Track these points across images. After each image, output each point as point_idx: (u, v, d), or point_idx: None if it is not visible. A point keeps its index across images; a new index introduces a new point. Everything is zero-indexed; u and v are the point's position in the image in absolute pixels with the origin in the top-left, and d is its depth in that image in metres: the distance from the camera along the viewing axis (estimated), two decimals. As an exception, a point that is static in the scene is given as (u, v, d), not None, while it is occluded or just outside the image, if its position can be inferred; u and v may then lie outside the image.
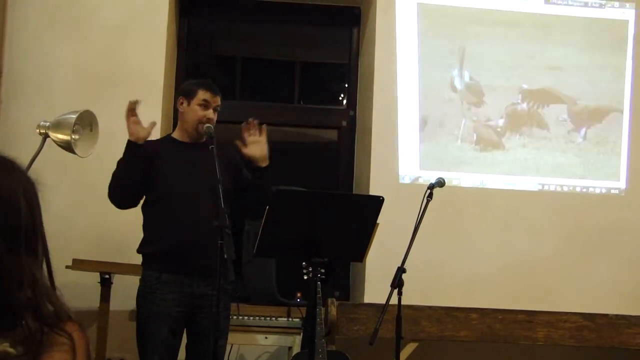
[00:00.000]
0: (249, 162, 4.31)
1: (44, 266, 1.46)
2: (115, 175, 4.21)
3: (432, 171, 5.67)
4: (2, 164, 1.44)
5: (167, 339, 4.15)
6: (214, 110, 4.30)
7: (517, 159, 5.93)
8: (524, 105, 5.96)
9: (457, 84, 5.91)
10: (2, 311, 1.36)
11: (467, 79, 5.93)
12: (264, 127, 4.32)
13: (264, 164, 4.29)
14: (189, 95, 4.33)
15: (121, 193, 4.23)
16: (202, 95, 4.29)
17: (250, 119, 4.34)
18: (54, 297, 1.42)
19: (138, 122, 4.17)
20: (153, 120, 4.30)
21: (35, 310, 1.38)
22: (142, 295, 4.22)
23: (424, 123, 5.87)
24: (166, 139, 4.54)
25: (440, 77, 5.91)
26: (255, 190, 4.30)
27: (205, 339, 4.11)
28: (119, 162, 4.22)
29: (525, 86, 5.96)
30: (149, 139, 4.33)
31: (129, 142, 4.16)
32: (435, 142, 5.87)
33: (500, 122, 5.93)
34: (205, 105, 4.29)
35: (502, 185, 5.91)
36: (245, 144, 4.28)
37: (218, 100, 4.33)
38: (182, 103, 4.36)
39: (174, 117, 4.63)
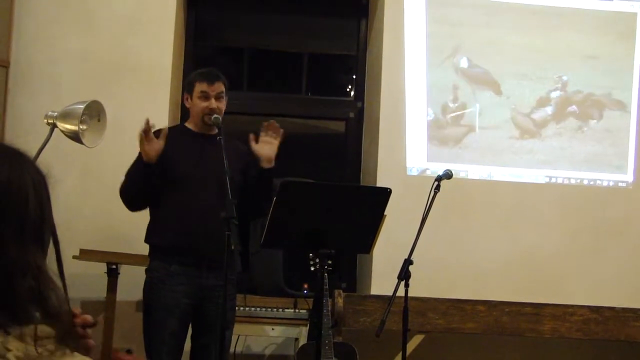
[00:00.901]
0: (255, 159, 4.26)
1: (46, 262, 1.45)
2: (126, 185, 4.19)
3: (440, 163, 5.67)
4: (12, 156, 1.44)
5: (175, 330, 4.15)
6: (217, 98, 4.27)
7: (552, 147, 5.94)
8: (536, 95, 5.96)
9: (460, 73, 5.91)
10: (6, 302, 1.36)
11: (465, 65, 5.91)
12: (282, 131, 4.27)
13: (268, 165, 4.24)
14: (190, 90, 4.33)
15: (132, 202, 4.24)
16: (199, 87, 4.27)
17: (272, 121, 4.28)
18: (57, 291, 1.42)
19: (151, 140, 4.05)
20: (162, 126, 4.23)
21: (38, 302, 1.38)
22: (150, 286, 4.22)
23: (432, 115, 5.86)
24: (177, 128, 4.54)
25: (448, 68, 5.89)
26: (254, 190, 4.29)
27: (212, 329, 4.11)
28: (130, 173, 4.18)
29: (533, 76, 5.95)
30: (160, 128, 4.35)
31: (141, 161, 4.08)
32: (444, 133, 5.86)
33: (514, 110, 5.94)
34: (205, 96, 4.26)
35: (510, 177, 5.90)
36: (256, 140, 4.25)
37: (219, 86, 4.28)
38: (187, 99, 4.36)
39: (182, 108, 4.63)
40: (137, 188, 4.17)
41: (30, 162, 1.46)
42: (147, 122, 4.06)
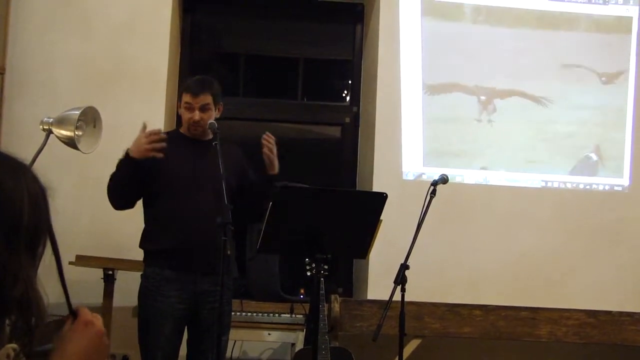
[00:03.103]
0: (262, 165, 4.31)
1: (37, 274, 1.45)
2: (111, 183, 4.22)
3: (436, 168, 5.67)
4: (10, 165, 1.44)
5: (170, 336, 4.15)
6: (201, 109, 4.25)
7: (548, 152, 5.96)
8: (532, 98, 5.97)
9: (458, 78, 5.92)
10: None
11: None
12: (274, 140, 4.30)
13: (273, 171, 4.29)
14: (179, 99, 4.37)
15: (117, 200, 4.26)
16: (184, 98, 4.29)
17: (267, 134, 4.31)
18: (41, 305, 1.42)
19: (151, 144, 4.09)
20: (159, 128, 4.27)
21: (22, 312, 1.38)
22: (144, 292, 4.22)
23: (427, 119, 5.87)
24: (173, 132, 4.53)
25: (443, 74, 5.90)
26: (255, 194, 4.33)
27: (208, 334, 4.11)
28: (115, 173, 4.20)
29: (528, 81, 5.96)
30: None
31: (129, 157, 4.09)
32: (439, 138, 5.87)
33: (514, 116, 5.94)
34: (189, 107, 4.27)
35: (506, 182, 5.91)
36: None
37: (203, 99, 4.25)
38: (178, 106, 4.38)
39: (178, 113, 4.64)
40: (122, 185, 4.18)
41: (30, 173, 1.45)
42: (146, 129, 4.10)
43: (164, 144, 4.08)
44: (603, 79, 5.99)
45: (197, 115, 4.24)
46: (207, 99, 4.27)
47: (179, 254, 4.13)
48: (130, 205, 4.30)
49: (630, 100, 6.00)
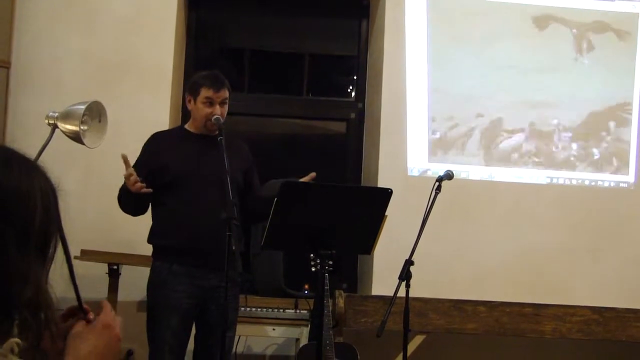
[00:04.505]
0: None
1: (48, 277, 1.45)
2: (121, 204, 4.26)
3: (441, 164, 5.67)
4: (24, 164, 1.43)
5: (177, 330, 4.16)
6: (221, 104, 4.26)
7: (554, 148, 5.95)
8: (536, 96, 5.96)
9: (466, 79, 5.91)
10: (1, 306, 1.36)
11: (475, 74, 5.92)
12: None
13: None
14: (194, 93, 4.30)
15: (131, 214, 4.32)
16: (204, 93, 4.26)
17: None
18: (50, 310, 1.41)
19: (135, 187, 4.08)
20: (163, 126, 4.25)
21: (31, 311, 1.37)
22: (153, 285, 4.24)
23: (432, 115, 5.86)
24: (178, 130, 4.54)
25: (449, 69, 5.89)
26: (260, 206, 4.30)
27: (215, 330, 4.12)
28: (121, 198, 4.23)
29: (532, 77, 5.95)
30: (161, 129, 4.35)
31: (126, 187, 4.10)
32: (444, 134, 5.86)
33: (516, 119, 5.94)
34: (209, 102, 4.25)
35: (511, 178, 5.90)
36: None
37: (224, 93, 4.27)
38: (189, 101, 4.34)
39: (183, 108, 4.63)
40: (132, 207, 4.25)
41: (42, 174, 1.45)
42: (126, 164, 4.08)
43: (143, 185, 4.05)
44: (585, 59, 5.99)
45: (218, 109, 4.24)
46: (226, 93, 4.30)
47: (186, 249, 4.14)
48: (144, 212, 4.34)
49: (636, 96, 5.99)
